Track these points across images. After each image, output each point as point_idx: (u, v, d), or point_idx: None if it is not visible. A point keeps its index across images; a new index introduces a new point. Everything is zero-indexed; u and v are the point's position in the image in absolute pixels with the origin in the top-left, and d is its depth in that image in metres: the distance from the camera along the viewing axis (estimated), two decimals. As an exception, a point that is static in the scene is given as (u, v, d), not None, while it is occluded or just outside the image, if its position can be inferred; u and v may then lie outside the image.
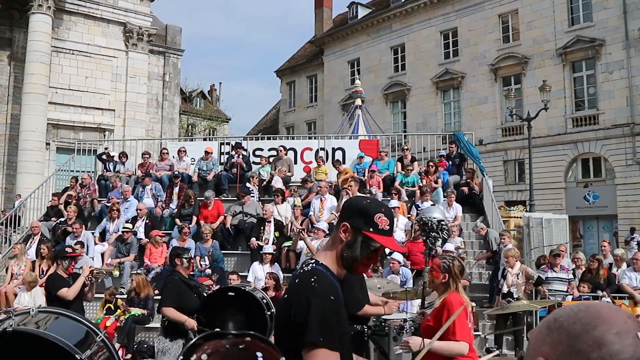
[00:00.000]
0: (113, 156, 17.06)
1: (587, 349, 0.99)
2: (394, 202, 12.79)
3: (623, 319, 1.03)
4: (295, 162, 16.66)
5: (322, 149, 16.82)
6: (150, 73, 31.40)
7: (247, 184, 14.95)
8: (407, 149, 16.35)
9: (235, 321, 6.28)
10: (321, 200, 13.54)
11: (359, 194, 12.16)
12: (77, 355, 3.02)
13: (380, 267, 10.51)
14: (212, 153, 16.30)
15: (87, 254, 12.26)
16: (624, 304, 10.70)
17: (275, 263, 11.89)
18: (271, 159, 16.44)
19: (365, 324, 6.03)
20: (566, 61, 29.33)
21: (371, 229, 2.38)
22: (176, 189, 14.80)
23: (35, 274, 11.49)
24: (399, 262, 10.82)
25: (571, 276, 11.57)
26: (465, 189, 14.86)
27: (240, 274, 11.56)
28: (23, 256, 12.59)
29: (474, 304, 10.68)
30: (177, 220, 13.64)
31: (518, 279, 10.23)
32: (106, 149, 18.23)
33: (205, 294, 7.29)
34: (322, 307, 2.20)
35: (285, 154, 16.37)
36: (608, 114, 27.78)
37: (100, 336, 3.58)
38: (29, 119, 25.50)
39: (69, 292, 7.25)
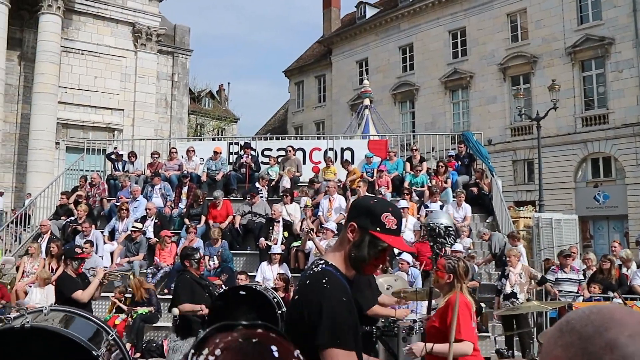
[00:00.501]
0: (122, 155, 17.12)
1: (599, 352, 0.99)
2: (403, 203, 12.77)
3: (636, 321, 1.02)
4: (304, 162, 16.65)
5: (331, 149, 16.81)
6: (159, 73, 31.49)
7: (256, 184, 14.96)
8: (416, 149, 16.31)
9: (247, 320, 6.31)
10: (329, 200, 13.53)
11: (367, 194, 12.15)
12: (93, 352, 3.04)
13: (389, 268, 10.49)
14: (220, 153, 16.32)
15: (96, 253, 12.32)
16: (636, 305, 10.64)
17: (284, 263, 11.90)
18: (280, 159, 16.44)
19: (374, 325, 6.03)
20: (575, 60, 29.19)
21: (378, 229, 2.37)
22: (185, 189, 14.82)
23: (49, 271, 11.56)
24: (408, 263, 10.81)
25: (582, 277, 11.50)
26: (475, 189, 14.81)
27: (249, 274, 11.57)
28: (38, 255, 12.63)
29: (483, 305, 10.68)
30: (186, 220, 13.66)
31: (521, 278, 10.17)
32: (115, 148, 18.29)
33: (216, 293, 7.32)
34: (335, 309, 2.21)
35: (294, 154, 16.37)
36: (618, 113, 27.64)
37: (112, 335, 3.61)
38: (39, 119, 25.63)
39: (83, 295, 7.24)
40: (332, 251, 2.50)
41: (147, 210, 13.75)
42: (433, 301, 5.56)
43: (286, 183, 14.98)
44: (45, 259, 12.58)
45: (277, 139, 19.88)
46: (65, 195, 15.41)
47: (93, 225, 13.36)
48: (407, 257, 10.79)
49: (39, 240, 13.65)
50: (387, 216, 2.39)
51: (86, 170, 18.17)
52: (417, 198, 14.29)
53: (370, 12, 41.74)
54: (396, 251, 11.68)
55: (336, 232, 11.29)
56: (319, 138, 21.18)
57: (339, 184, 14.40)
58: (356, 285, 2.49)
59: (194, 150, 16.53)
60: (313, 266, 2.45)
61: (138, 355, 10.46)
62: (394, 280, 8.10)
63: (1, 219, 22.75)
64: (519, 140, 31.08)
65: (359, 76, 39.26)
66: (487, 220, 14.42)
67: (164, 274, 12.29)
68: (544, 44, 30.40)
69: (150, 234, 13.26)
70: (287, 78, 48.87)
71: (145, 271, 12.51)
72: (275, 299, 6.90)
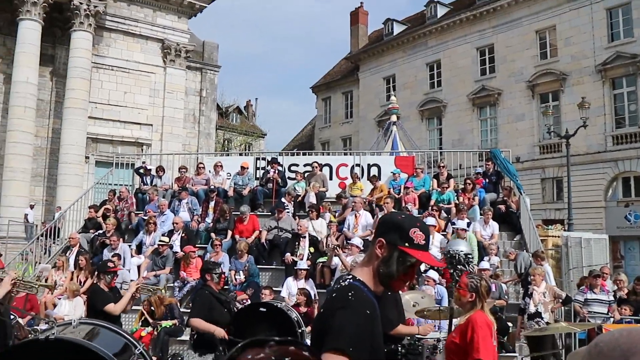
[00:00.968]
0: (150, 170, 17.26)
1: None
2: (430, 220, 12.68)
3: None
4: (331, 178, 16.64)
5: (358, 165, 16.78)
6: (188, 89, 31.85)
7: (282, 199, 14.98)
8: (443, 166, 16.23)
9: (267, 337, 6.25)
10: (355, 216, 13.50)
11: (394, 211, 12.10)
12: (116, 366, 3.06)
13: (416, 285, 10.42)
14: (247, 168, 16.37)
15: (123, 267, 12.40)
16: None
17: (310, 279, 11.87)
18: (306, 175, 16.45)
19: (399, 343, 5.99)
20: (606, 78, 28.90)
21: (407, 244, 2.37)
22: (212, 203, 14.89)
23: (78, 284, 11.67)
24: (434, 280, 10.72)
25: (612, 298, 11.30)
26: (502, 207, 14.66)
27: (275, 289, 11.55)
28: (67, 268, 12.77)
29: (510, 324, 10.53)
30: (212, 234, 13.72)
31: (545, 297, 10.02)
32: (143, 163, 18.45)
33: (235, 309, 7.28)
34: (354, 318, 2.20)
35: (320, 170, 16.38)
36: (649, 131, 27.27)
37: (139, 349, 3.62)
38: (69, 133, 26.05)
39: (116, 308, 7.30)
40: (359, 267, 2.49)
41: (174, 225, 13.82)
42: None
43: (312, 199, 14.98)
44: (73, 272, 12.71)
45: (304, 154, 19.90)
46: (94, 209, 15.56)
47: (121, 239, 13.47)
48: (433, 274, 10.71)
49: (67, 253, 13.78)
50: (415, 231, 2.38)
51: (115, 184, 18.34)
52: (444, 215, 14.19)
53: (397, 28, 41.86)
54: (422, 268, 11.63)
55: (362, 248, 11.24)
56: (345, 154, 21.14)
57: (365, 200, 14.36)
58: (382, 304, 2.47)
59: (221, 165, 16.61)
60: (340, 281, 2.44)
61: (163, 368, 10.48)
62: (420, 297, 8.04)
63: (31, 231, 23.08)
64: (548, 158, 30.79)
65: (386, 92, 39.29)
66: (515, 239, 14.26)
67: (191, 288, 12.32)
68: (574, 62, 30.15)
69: (177, 248, 13.32)
70: (314, 94, 49.09)
71: (172, 285, 12.56)
72: (295, 318, 6.83)
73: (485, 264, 11.59)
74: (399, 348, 5.81)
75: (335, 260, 11.74)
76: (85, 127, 26.76)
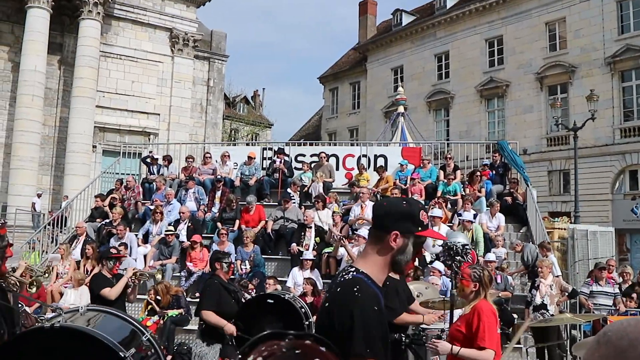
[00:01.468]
0: (157, 159, 17.29)
1: None
2: (437, 212, 12.68)
3: None
4: (337, 169, 16.65)
5: (364, 155, 16.78)
6: (195, 78, 31.86)
7: (289, 190, 14.99)
8: (449, 158, 16.20)
9: (273, 329, 6.25)
10: (361, 207, 13.50)
11: (388, 197, 12.07)
12: (121, 353, 3.08)
13: (421, 276, 10.44)
14: (254, 158, 16.39)
15: (130, 256, 12.45)
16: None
17: (315, 269, 11.89)
18: (313, 165, 16.46)
19: (404, 333, 6.00)
20: (615, 70, 28.73)
21: (420, 228, 2.43)
22: (218, 193, 14.93)
23: (84, 273, 11.73)
24: (440, 272, 10.73)
25: (617, 290, 11.30)
26: (509, 198, 14.63)
27: (280, 279, 11.58)
28: (68, 256, 12.83)
29: (516, 316, 10.54)
30: (219, 224, 13.75)
31: (552, 289, 10.02)
32: (150, 152, 18.48)
33: (243, 299, 7.30)
34: (367, 318, 2.20)
35: (327, 160, 16.37)
36: (658, 124, 27.14)
37: (147, 335, 3.63)
38: (77, 122, 26.11)
39: (111, 292, 7.34)
40: (362, 258, 2.47)
41: (181, 214, 13.86)
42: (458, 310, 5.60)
43: (320, 189, 14.98)
44: (76, 260, 12.76)
45: (311, 144, 19.90)
46: (100, 198, 15.61)
47: (127, 228, 13.50)
48: (439, 265, 10.71)
49: (74, 242, 13.85)
50: (422, 214, 2.47)
51: (122, 174, 18.39)
52: (450, 207, 14.18)
53: (406, 19, 41.68)
54: (428, 259, 11.65)
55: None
56: (352, 144, 21.11)
57: (371, 191, 14.37)
58: (384, 294, 2.49)
59: (228, 155, 16.62)
60: (343, 273, 2.43)
61: (169, 357, 10.53)
62: (424, 288, 8.05)
63: (39, 220, 23.19)
64: (555, 151, 30.68)
65: (394, 83, 39.14)
66: (521, 231, 14.25)
67: (197, 278, 12.36)
68: (583, 54, 29.98)
69: (183, 237, 13.37)
70: (321, 84, 49.01)
71: (178, 274, 12.61)
72: (302, 309, 6.84)
73: (491, 256, 11.58)
74: (403, 338, 5.83)
75: (341, 250, 11.77)
76: (93, 116, 26.81)
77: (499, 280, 11.16)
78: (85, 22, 26.60)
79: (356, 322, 2.18)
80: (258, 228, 13.58)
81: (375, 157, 16.78)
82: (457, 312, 5.11)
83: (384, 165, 16.27)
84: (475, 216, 13.28)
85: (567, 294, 10.53)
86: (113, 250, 8.05)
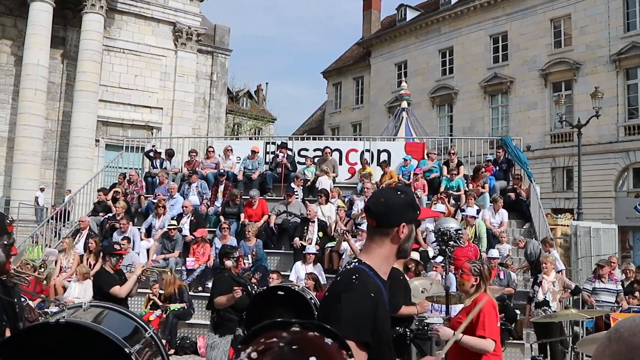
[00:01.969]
0: (160, 153, 17.28)
1: None
2: (440, 207, 12.67)
3: None
4: (340, 163, 16.63)
5: (368, 150, 16.76)
6: (198, 72, 31.85)
7: (292, 184, 14.98)
8: (453, 153, 16.18)
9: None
10: (365, 201, 13.47)
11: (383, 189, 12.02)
12: (125, 349, 3.07)
13: (423, 271, 10.42)
14: (258, 152, 16.38)
15: (133, 250, 12.45)
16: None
17: (318, 263, 11.90)
18: (316, 160, 16.44)
19: (408, 327, 6.01)
20: (620, 68, 28.66)
21: (419, 212, 2.51)
22: (221, 187, 14.93)
23: (87, 267, 11.75)
24: (443, 266, 10.71)
25: (620, 287, 11.29)
26: (512, 194, 14.61)
27: (283, 273, 11.59)
28: (71, 250, 12.85)
29: (518, 312, 10.53)
30: (222, 218, 13.75)
31: (554, 286, 10.00)
32: (153, 146, 18.48)
33: (253, 292, 7.33)
34: (358, 302, 2.20)
35: (330, 155, 16.36)
36: (662, 122, 27.07)
37: (149, 332, 3.63)
38: (79, 116, 26.13)
39: (121, 290, 7.33)
40: (365, 251, 2.46)
41: (184, 208, 13.86)
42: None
43: (325, 183, 14.94)
44: (79, 254, 12.78)
45: (314, 139, 19.87)
46: (103, 192, 15.62)
47: (130, 222, 13.52)
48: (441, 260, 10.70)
49: (77, 237, 13.86)
50: (416, 198, 2.60)
51: (125, 168, 18.40)
52: (453, 202, 14.17)
53: (410, 14, 41.61)
54: (431, 254, 11.64)
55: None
56: (355, 139, 21.10)
57: (376, 185, 14.35)
58: (393, 290, 2.50)
59: (231, 150, 16.62)
60: (347, 265, 2.46)
61: (172, 351, 10.56)
62: (429, 284, 8.04)
63: (42, 214, 23.22)
64: (559, 147, 30.64)
65: (398, 79, 39.11)
66: (524, 227, 14.23)
67: (201, 272, 12.37)
68: (588, 51, 29.90)
69: (186, 231, 13.37)
70: (325, 79, 48.98)
71: (180, 269, 12.62)
72: (312, 300, 6.88)
73: (494, 252, 11.56)
74: (408, 332, 5.84)
75: (344, 245, 11.77)
76: (96, 110, 26.82)
77: (502, 277, 11.15)
78: (88, 16, 26.59)
79: (343, 304, 2.18)
80: (261, 222, 13.58)
81: (379, 152, 16.76)
82: (459, 307, 5.14)
83: (387, 160, 16.24)
84: (478, 212, 13.26)
85: (569, 290, 10.51)
86: (116, 246, 8.03)
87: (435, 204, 13.10)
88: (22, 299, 5.27)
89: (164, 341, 9.32)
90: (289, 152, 16.40)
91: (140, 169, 18.62)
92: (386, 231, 2.41)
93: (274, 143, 17.77)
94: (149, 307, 11.27)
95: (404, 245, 2.44)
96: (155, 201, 14.38)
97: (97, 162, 26.09)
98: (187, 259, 12.59)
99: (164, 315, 10.99)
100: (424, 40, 39.15)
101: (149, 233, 13.85)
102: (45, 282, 9.74)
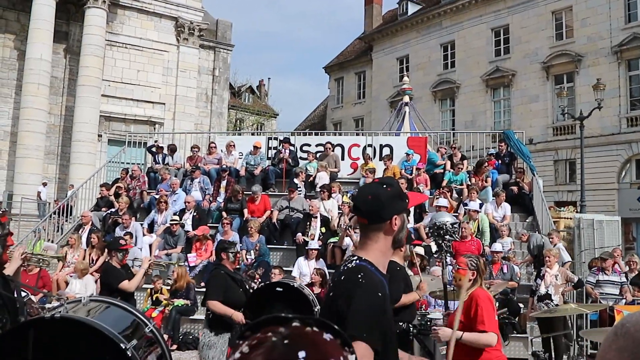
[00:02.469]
0: (162, 148, 17.29)
1: None
2: (442, 201, 12.66)
3: None
4: (343, 159, 16.60)
5: (370, 145, 16.73)
6: (201, 67, 31.80)
7: (295, 180, 14.97)
8: (455, 148, 16.18)
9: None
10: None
11: (369, 184, 11.99)
12: (121, 345, 3.07)
13: (427, 267, 10.42)
14: (260, 148, 16.38)
15: (135, 245, 12.47)
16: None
17: (321, 259, 11.89)
18: (318, 155, 16.42)
19: (411, 323, 6.00)
20: (621, 59, 28.59)
21: (407, 200, 2.50)
22: (224, 183, 14.93)
23: (87, 262, 11.75)
24: (440, 261, 10.70)
25: (624, 279, 11.28)
26: (515, 188, 14.61)
27: (285, 269, 11.59)
28: (79, 246, 12.87)
29: (522, 305, 10.52)
30: (224, 214, 13.75)
31: (557, 279, 9.99)
32: (156, 141, 18.48)
33: (251, 289, 7.25)
34: (368, 302, 2.19)
35: (332, 150, 16.33)
36: (665, 114, 27.01)
37: (150, 327, 3.62)
38: (82, 111, 26.12)
39: (130, 284, 7.34)
40: (362, 249, 2.45)
41: (186, 204, 13.87)
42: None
43: (324, 179, 14.92)
44: (85, 250, 12.81)
45: (316, 134, 19.85)
46: (105, 187, 15.64)
47: (133, 218, 13.53)
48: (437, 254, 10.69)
49: (80, 231, 13.88)
50: (400, 188, 2.53)
51: (127, 163, 18.42)
52: (456, 196, 14.16)
53: (412, 8, 41.49)
54: (433, 249, 11.62)
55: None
56: (358, 134, 21.05)
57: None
58: (393, 282, 2.49)
59: (233, 145, 16.61)
60: (346, 262, 2.43)
61: (174, 347, 10.58)
62: (430, 280, 8.02)
63: (44, 209, 23.24)
64: (561, 140, 30.58)
65: (399, 73, 38.98)
66: (527, 220, 14.22)
67: (203, 267, 12.38)
68: (590, 43, 29.82)
69: (188, 227, 13.38)
70: (327, 74, 48.90)
71: (182, 264, 12.61)
72: (311, 296, 6.82)
73: (497, 246, 11.56)
74: (411, 328, 5.82)
75: (347, 240, 11.76)
76: (99, 105, 26.81)
77: (505, 270, 11.14)
78: (90, 11, 26.57)
79: (354, 305, 2.17)
80: (263, 218, 13.57)
81: (381, 146, 16.74)
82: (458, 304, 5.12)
83: (390, 154, 16.22)
84: (481, 206, 13.25)
85: (572, 284, 10.50)
86: (122, 242, 8.04)
87: (437, 198, 13.08)
88: (24, 294, 5.28)
89: (165, 336, 9.37)
90: (291, 148, 16.39)
91: (142, 164, 18.59)
92: (379, 226, 2.41)
93: (276, 138, 17.75)
94: (149, 302, 11.28)
95: (399, 235, 2.44)
96: (157, 197, 14.39)
97: (99, 157, 26.11)
98: (189, 255, 12.59)
99: (167, 311, 11.01)
100: (426, 35, 39.06)
101: (151, 228, 13.86)
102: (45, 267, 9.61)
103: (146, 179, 16.12)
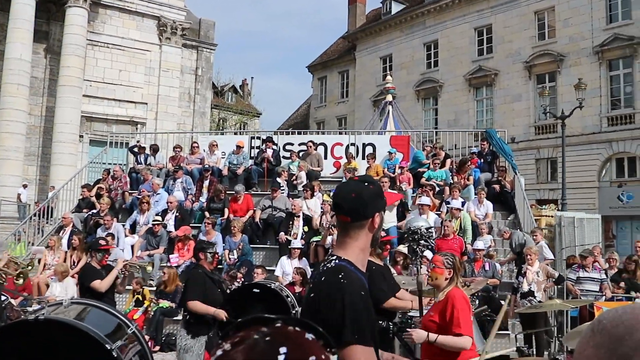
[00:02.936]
0: (144, 148, 17.19)
1: (629, 353, 0.96)
2: (424, 199, 12.68)
3: None
4: (326, 158, 16.58)
5: (353, 144, 16.74)
6: (183, 67, 31.68)
7: (277, 179, 14.94)
8: (437, 148, 16.20)
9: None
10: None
11: (346, 182, 12.02)
12: (107, 345, 3.05)
13: (410, 265, 10.43)
14: (243, 147, 16.34)
15: (117, 246, 12.37)
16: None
17: (304, 258, 11.89)
18: (301, 154, 16.41)
19: (391, 320, 5.99)
20: (603, 59, 28.87)
21: (385, 198, 2.50)
22: (206, 183, 14.88)
23: (67, 265, 11.64)
24: (429, 260, 10.72)
25: (604, 276, 11.38)
26: (497, 186, 14.70)
27: (269, 268, 11.58)
28: (58, 248, 12.76)
29: (504, 302, 10.57)
30: (207, 214, 13.71)
31: (538, 276, 10.06)
32: (138, 142, 18.38)
33: (228, 290, 7.21)
34: (354, 305, 2.18)
35: (315, 149, 16.32)
36: (644, 113, 27.27)
37: (132, 328, 3.61)
38: (63, 112, 25.91)
39: (102, 284, 7.29)
40: (341, 247, 2.42)
41: (169, 204, 13.80)
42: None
43: (302, 178, 14.90)
44: (66, 252, 12.70)
45: (299, 133, 19.83)
46: (87, 188, 15.52)
47: (115, 219, 13.44)
48: (428, 254, 10.71)
49: (60, 233, 13.77)
50: (380, 186, 2.54)
51: (109, 164, 18.28)
52: (438, 191, 14.23)
53: (395, 8, 41.60)
54: (428, 251, 11.64)
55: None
56: (341, 133, 21.06)
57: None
58: (370, 279, 2.47)
59: (216, 145, 16.55)
60: (325, 262, 2.40)
61: (157, 348, 10.52)
62: (411, 279, 8.03)
63: (25, 211, 23.04)
64: (543, 139, 30.84)
65: (383, 72, 39.05)
66: (509, 218, 14.32)
67: (185, 268, 12.32)
68: (571, 43, 30.09)
69: (171, 227, 13.32)
70: (310, 73, 48.92)
71: (164, 265, 12.56)
72: (289, 298, 6.79)
73: (479, 244, 11.61)
74: (391, 325, 5.81)
75: (329, 239, 11.76)
76: (80, 106, 26.60)
77: (487, 268, 11.20)
78: (71, 10, 26.35)
79: (346, 309, 2.16)
80: (246, 217, 13.55)
81: (364, 145, 16.75)
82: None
83: (372, 153, 16.23)
84: (463, 204, 13.31)
85: (553, 280, 10.58)
86: (102, 242, 7.97)
87: (420, 196, 13.11)
88: (4, 298, 5.24)
89: (147, 337, 9.32)
90: (274, 147, 16.36)
91: (124, 164, 18.47)
92: (361, 224, 2.39)
93: (259, 138, 17.71)
94: (132, 304, 11.21)
95: (378, 233, 2.46)
96: (139, 197, 14.31)
97: (81, 158, 25.88)
98: (171, 255, 12.53)
99: (151, 312, 10.95)
100: (409, 34, 39.19)
101: (133, 229, 13.78)
102: (22, 280, 9.63)
103: (128, 179, 16.02)
